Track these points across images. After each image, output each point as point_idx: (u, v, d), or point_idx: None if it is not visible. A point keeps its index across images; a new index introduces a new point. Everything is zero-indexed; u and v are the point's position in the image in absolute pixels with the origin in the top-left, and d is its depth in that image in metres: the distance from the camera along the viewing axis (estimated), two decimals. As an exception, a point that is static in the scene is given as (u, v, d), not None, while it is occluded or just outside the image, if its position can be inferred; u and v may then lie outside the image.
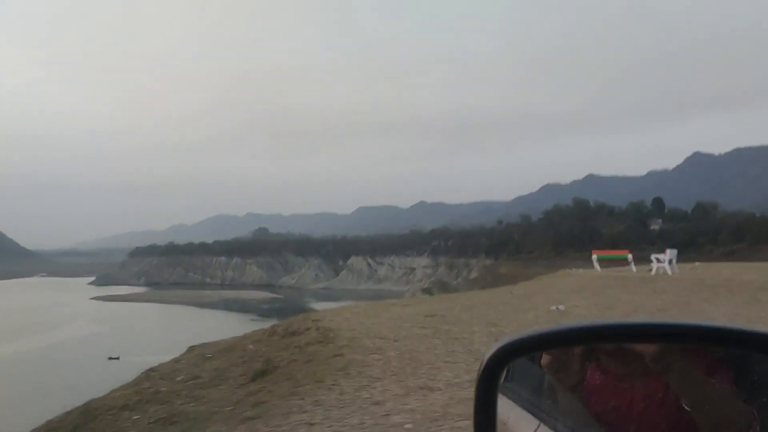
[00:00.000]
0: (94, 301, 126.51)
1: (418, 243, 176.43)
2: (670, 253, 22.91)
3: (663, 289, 15.21)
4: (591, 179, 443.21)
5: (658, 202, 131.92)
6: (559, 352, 1.04)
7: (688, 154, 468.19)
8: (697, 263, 38.46)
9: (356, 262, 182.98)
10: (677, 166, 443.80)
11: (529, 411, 1.16)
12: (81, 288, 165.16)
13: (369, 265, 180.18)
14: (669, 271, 21.19)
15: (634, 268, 24.56)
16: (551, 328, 1.04)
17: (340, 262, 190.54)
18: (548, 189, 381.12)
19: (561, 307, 12.69)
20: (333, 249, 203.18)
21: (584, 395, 1.05)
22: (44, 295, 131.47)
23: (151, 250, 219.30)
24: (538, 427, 1.13)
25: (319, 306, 51.82)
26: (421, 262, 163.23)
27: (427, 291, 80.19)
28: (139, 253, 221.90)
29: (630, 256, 25.90)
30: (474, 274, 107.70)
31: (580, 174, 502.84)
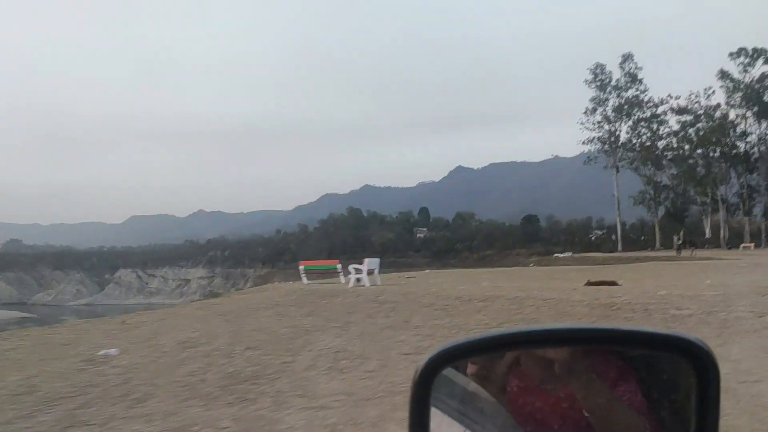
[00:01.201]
0: None
1: (194, 253, 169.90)
2: (370, 263, 21.09)
3: (332, 308, 11.53)
4: (367, 189, 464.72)
5: (424, 211, 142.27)
6: (485, 361, 1.06)
7: (452, 167, 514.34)
8: (427, 271, 38.41)
9: (125, 275, 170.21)
10: (443, 178, 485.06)
11: (455, 419, 1.16)
12: None
13: (139, 277, 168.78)
14: (367, 283, 19.59)
15: (342, 279, 22.44)
16: (479, 335, 1.07)
17: (107, 276, 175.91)
18: (328, 198, 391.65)
19: (112, 351, 8.01)
20: (98, 261, 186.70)
21: (507, 401, 1.09)
22: None
23: None
24: None
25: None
26: (197, 273, 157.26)
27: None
28: None
29: (339, 266, 23.90)
30: (249, 284, 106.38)
31: (357, 184, 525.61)
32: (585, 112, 72.50)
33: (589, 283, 14.14)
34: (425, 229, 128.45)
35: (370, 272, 20.61)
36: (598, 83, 71.86)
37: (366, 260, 20.87)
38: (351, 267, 20.56)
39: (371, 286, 19.27)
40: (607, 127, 71.84)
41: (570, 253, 70.01)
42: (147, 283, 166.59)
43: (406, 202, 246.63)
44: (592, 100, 72.07)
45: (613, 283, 13.98)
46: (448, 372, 1.14)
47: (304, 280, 24.07)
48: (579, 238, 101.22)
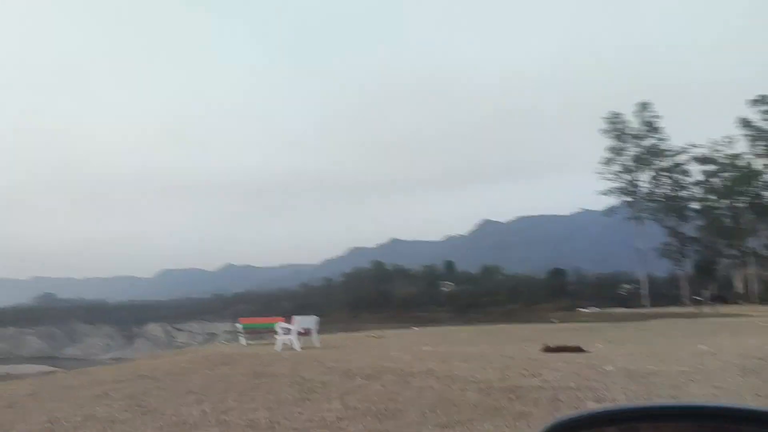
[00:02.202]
0: None
1: (221, 307, 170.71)
2: (301, 322, 18.42)
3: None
4: (395, 243, 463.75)
5: (450, 265, 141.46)
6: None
7: (480, 221, 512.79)
8: (415, 329, 34.19)
9: (153, 328, 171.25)
10: (471, 232, 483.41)
11: None
12: None
13: (167, 332, 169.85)
14: (297, 347, 17.00)
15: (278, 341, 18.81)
16: (603, 408, 1.08)
17: (135, 329, 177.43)
18: (356, 252, 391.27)
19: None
20: (127, 315, 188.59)
21: None
22: None
23: None
24: None
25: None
26: (223, 327, 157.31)
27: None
28: None
29: (278, 326, 20.11)
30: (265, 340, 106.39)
31: (385, 238, 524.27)
32: (603, 162, 72.16)
33: (548, 349, 12.32)
34: (451, 283, 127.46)
35: (304, 332, 18.30)
36: (615, 133, 71.70)
37: (296, 318, 18.41)
38: (278, 326, 18.13)
39: (303, 349, 16.96)
40: (626, 176, 71.27)
41: (595, 308, 68.63)
42: (174, 337, 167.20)
43: (434, 256, 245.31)
44: (610, 149, 71.81)
45: (576, 350, 12.15)
46: None
47: (242, 340, 21.75)
48: (607, 293, 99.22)
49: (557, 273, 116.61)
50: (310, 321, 19.23)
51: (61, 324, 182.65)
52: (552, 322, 54.08)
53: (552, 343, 13.23)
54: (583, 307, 70.44)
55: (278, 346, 17.39)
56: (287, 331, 17.85)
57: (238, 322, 22.79)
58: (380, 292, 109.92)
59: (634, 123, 70.66)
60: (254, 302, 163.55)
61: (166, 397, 8.41)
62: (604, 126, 71.03)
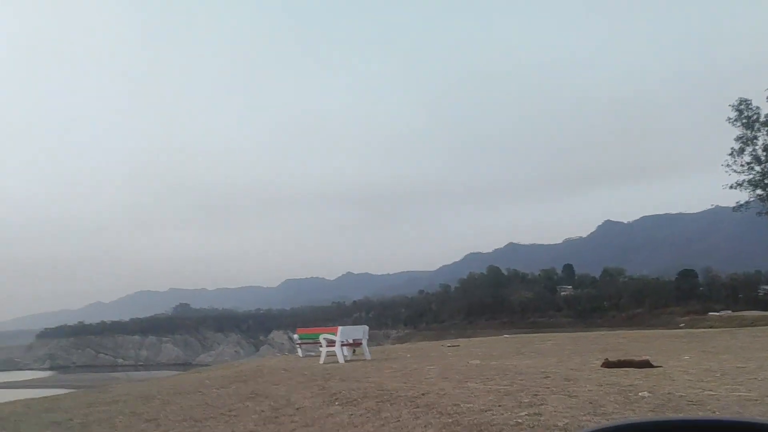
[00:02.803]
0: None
1: (341, 314, 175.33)
2: (347, 333, 17.08)
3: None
4: (512, 248, 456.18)
5: (569, 268, 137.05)
6: None
7: (600, 222, 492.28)
8: (505, 336, 32.07)
9: (277, 336, 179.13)
10: (590, 233, 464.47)
11: None
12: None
13: (290, 338, 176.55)
14: (341, 359, 16.00)
15: (340, 353, 17.43)
16: (639, 419, 1.05)
17: (261, 337, 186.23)
18: (471, 258, 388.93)
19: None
20: (254, 323, 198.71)
21: None
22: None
23: (60, 331, 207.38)
24: None
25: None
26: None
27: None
28: (47, 334, 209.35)
29: (322, 337, 18.67)
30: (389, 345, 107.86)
31: (502, 242, 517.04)
32: (731, 154, 67.01)
33: (608, 364, 10.76)
34: (569, 287, 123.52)
35: (353, 343, 17.25)
36: (744, 120, 66.51)
37: (341, 329, 17.06)
38: (322, 338, 16.87)
39: (350, 362, 16.09)
40: (758, 168, 65.90)
41: (728, 311, 64.11)
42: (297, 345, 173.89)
43: (552, 260, 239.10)
44: (738, 139, 66.65)
45: (643, 364, 10.47)
46: None
47: (299, 352, 20.43)
48: (744, 295, 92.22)
49: (686, 274, 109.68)
50: (358, 331, 17.94)
51: (195, 332, 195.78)
52: (680, 327, 51.13)
53: (625, 356, 11.58)
54: (716, 311, 65.91)
55: (322, 358, 16.43)
56: (331, 343, 16.69)
57: (296, 333, 21.26)
58: (496, 298, 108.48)
59: (765, 109, 65.47)
60: (373, 309, 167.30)
61: (128, 424, 8.57)
62: (732, 114, 66.31)
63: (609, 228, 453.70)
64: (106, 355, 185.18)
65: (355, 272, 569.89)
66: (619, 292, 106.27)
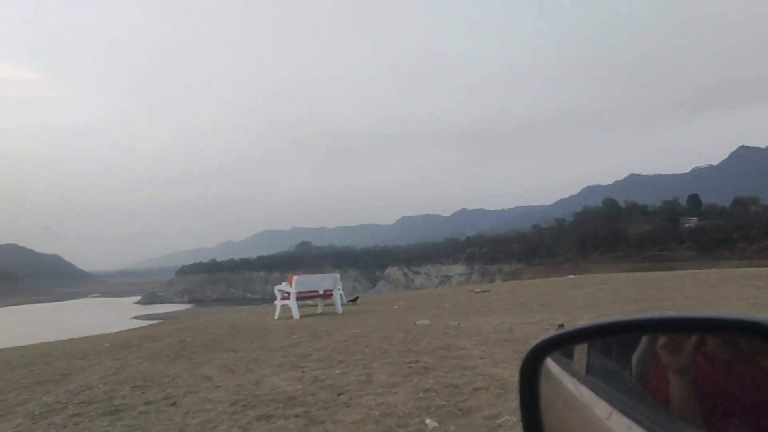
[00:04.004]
0: (133, 320, 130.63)
1: (454, 251, 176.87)
2: (301, 283, 14.55)
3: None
4: (633, 179, 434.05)
5: (694, 199, 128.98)
6: (673, 336, 1.11)
7: (734, 148, 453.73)
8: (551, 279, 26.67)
9: (392, 272, 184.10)
10: (722, 161, 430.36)
11: (605, 399, 1.25)
12: (127, 307, 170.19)
13: (405, 274, 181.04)
14: (296, 314, 13.81)
15: (338, 301, 15.76)
16: (579, 326, 1.18)
17: (377, 273, 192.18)
18: (589, 191, 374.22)
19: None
20: (371, 260, 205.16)
21: (693, 379, 1.10)
22: (92, 315, 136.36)
23: (195, 268, 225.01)
24: (611, 413, 1.22)
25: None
26: (457, 269, 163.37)
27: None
28: (185, 271, 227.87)
29: (277, 288, 16.24)
30: (497, 280, 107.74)
31: (622, 174, 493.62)
32: None
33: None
34: (694, 219, 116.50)
35: (323, 295, 15.09)
36: None
37: (295, 278, 14.52)
38: (277, 289, 14.78)
39: (317, 315, 14.36)
40: None
41: None
42: (412, 280, 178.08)
43: (677, 191, 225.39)
44: None
45: None
46: (599, 351, 1.30)
47: (293, 308, 15.25)
48: None
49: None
50: (326, 280, 15.45)
51: (316, 268, 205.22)
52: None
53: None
54: None
55: (276, 313, 14.43)
56: (287, 295, 14.40)
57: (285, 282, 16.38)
58: (612, 231, 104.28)
59: None
60: (486, 244, 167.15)
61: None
62: None
63: (744, 154, 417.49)
64: (236, 290, 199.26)
65: (470, 208, 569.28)
66: (750, 222, 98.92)
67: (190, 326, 14.22)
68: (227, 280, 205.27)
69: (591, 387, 1.29)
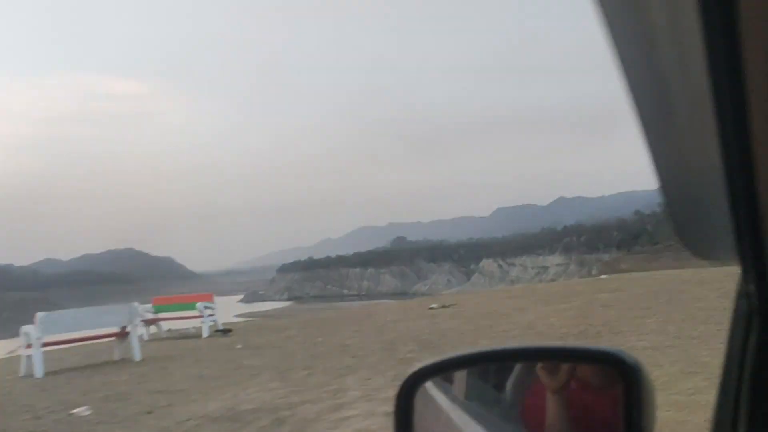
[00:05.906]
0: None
1: (551, 241, 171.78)
2: (48, 324, 11.14)
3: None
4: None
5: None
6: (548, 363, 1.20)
7: None
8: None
9: (487, 264, 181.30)
10: None
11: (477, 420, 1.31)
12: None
13: (500, 266, 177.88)
14: (38, 370, 10.52)
15: (205, 325, 14.52)
16: (463, 353, 1.21)
17: (472, 266, 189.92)
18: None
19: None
20: (465, 253, 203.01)
21: (565, 399, 1.18)
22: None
23: (294, 266, 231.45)
24: None
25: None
26: (554, 260, 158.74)
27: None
28: (285, 269, 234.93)
29: (202, 306, 15.14)
30: (594, 272, 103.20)
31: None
32: None
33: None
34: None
35: (119, 333, 11.92)
36: None
37: (39, 316, 11.07)
38: (22, 331, 11.19)
39: (87, 367, 11.23)
40: None
41: None
42: (507, 272, 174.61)
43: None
44: None
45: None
46: (477, 377, 1.37)
47: (142, 332, 14.56)
48: None
49: None
50: (114, 314, 12.14)
51: (410, 264, 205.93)
52: None
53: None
54: None
55: (22, 367, 10.93)
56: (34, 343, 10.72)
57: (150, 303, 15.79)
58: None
59: None
60: (584, 233, 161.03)
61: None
62: None
63: None
64: (333, 286, 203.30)
65: (568, 196, 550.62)
66: None
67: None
68: (324, 277, 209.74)
69: (468, 412, 1.33)
